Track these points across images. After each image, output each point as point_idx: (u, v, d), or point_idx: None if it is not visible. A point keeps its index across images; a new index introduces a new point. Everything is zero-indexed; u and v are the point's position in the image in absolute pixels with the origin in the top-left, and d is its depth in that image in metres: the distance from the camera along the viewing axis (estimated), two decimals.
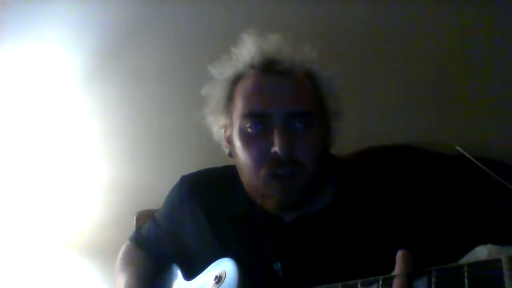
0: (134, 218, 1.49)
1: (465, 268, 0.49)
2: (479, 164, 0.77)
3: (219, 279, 0.86)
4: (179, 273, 1.05)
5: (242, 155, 0.88)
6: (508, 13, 1.43)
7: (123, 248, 1.18)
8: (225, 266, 0.87)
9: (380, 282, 0.59)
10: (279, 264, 0.87)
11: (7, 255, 1.49)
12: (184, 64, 1.53)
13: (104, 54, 1.53)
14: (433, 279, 0.52)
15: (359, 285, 0.62)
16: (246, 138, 0.87)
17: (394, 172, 1.38)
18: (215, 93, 0.95)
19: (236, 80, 0.92)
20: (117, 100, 1.55)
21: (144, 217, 1.49)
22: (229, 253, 0.88)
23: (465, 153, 0.79)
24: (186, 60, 1.53)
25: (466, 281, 0.48)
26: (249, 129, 0.87)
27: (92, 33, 1.53)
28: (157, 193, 1.49)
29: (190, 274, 0.99)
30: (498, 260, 0.47)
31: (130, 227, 1.47)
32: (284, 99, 0.86)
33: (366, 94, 1.48)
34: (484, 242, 0.82)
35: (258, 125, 0.86)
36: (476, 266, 0.49)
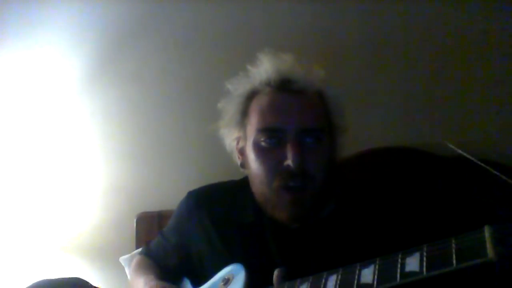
0: (134, 220, 1.51)
1: (453, 241, 0.54)
2: (474, 159, 0.82)
3: (226, 281, 0.89)
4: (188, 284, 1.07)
5: (255, 167, 0.94)
6: (507, 13, 1.48)
7: (134, 261, 1.20)
8: (233, 270, 0.90)
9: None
10: (285, 269, 0.90)
11: (7, 257, 1.49)
12: (184, 66, 1.57)
13: (104, 57, 1.57)
14: (425, 254, 0.56)
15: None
16: (260, 151, 0.93)
17: (393, 175, 1.41)
18: (230, 107, 1.01)
19: (251, 96, 0.98)
20: (117, 102, 1.58)
21: (144, 219, 1.51)
22: (236, 259, 0.92)
23: (456, 149, 0.84)
24: (186, 63, 1.57)
25: (453, 251, 0.53)
26: (263, 143, 0.93)
27: (92, 36, 1.56)
28: (157, 195, 1.54)
29: (198, 282, 1.01)
30: (481, 230, 0.52)
31: (130, 229, 1.50)
32: (297, 116, 0.92)
33: (365, 97, 1.52)
34: None
35: (272, 139, 0.92)
36: (462, 238, 0.55)
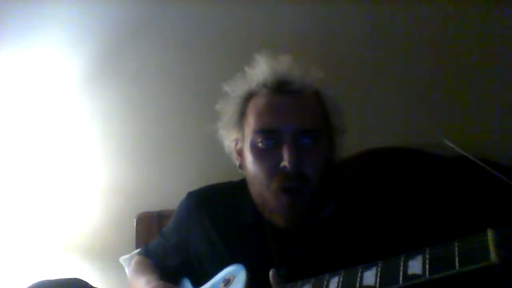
0: (134, 220, 1.51)
1: (456, 244, 0.54)
2: (472, 158, 0.82)
3: (227, 282, 0.90)
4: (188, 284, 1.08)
5: (253, 168, 0.94)
6: (507, 13, 1.48)
7: (133, 260, 1.20)
8: (234, 270, 0.91)
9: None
10: (284, 270, 0.90)
11: (7, 257, 1.49)
12: (184, 67, 1.57)
13: (104, 57, 1.56)
14: (427, 256, 0.57)
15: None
16: (258, 153, 0.94)
17: (393, 175, 1.41)
18: (228, 108, 1.01)
19: (248, 97, 0.99)
20: (117, 102, 1.58)
21: (144, 219, 1.51)
22: (236, 259, 0.92)
23: (455, 147, 0.84)
24: (186, 63, 1.57)
25: (456, 254, 0.53)
26: (260, 144, 0.93)
27: (92, 36, 1.56)
28: (157, 195, 1.54)
29: (198, 283, 1.02)
30: (484, 234, 0.52)
31: (130, 229, 1.50)
32: (294, 117, 0.93)
33: (365, 97, 1.53)
34: None
35: (269, 141, 0.93)
36: (465, 241, 0.55)
